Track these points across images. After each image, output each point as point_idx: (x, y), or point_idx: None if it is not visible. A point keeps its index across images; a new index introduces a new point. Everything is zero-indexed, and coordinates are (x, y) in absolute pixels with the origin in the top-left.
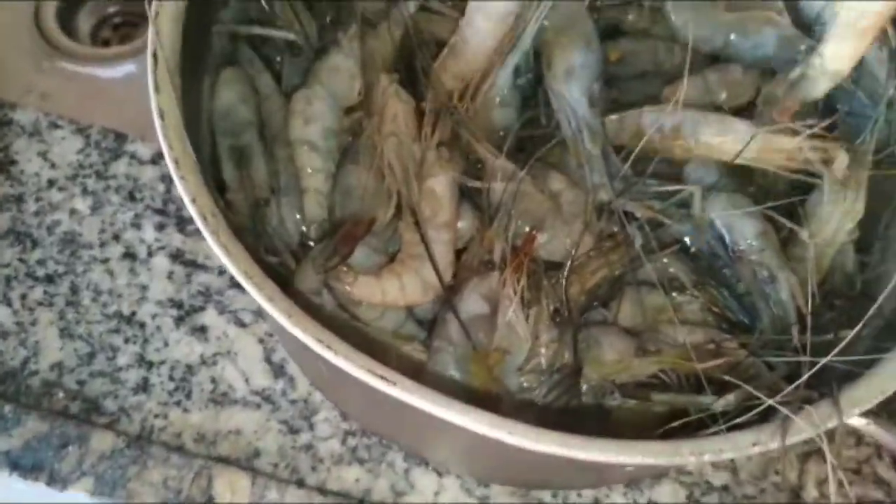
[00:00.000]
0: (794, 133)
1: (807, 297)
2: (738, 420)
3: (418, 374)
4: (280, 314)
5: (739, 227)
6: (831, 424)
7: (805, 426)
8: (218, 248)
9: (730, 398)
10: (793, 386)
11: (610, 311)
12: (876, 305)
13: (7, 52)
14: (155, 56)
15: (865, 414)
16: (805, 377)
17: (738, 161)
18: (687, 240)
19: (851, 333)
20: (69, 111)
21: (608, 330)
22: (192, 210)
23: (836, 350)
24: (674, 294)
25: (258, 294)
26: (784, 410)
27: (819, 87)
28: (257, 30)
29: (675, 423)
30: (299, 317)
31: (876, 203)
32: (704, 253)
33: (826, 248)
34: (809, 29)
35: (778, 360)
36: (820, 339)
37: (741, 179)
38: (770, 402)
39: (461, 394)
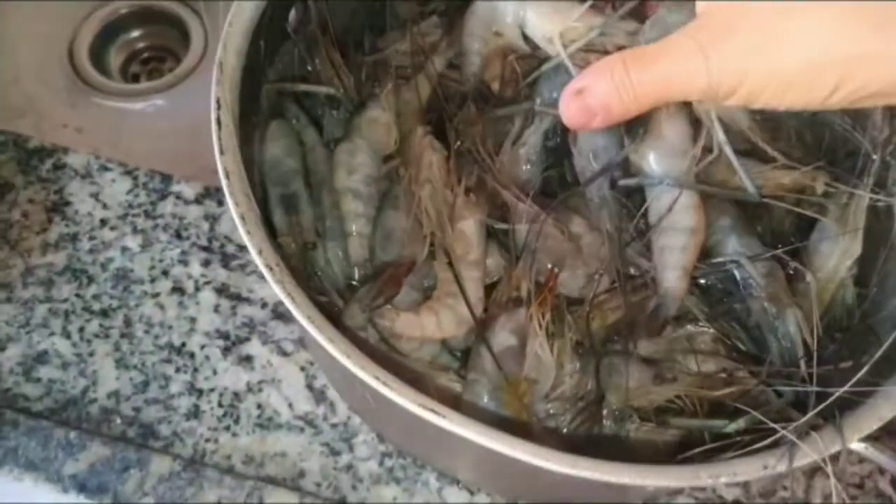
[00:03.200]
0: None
1: (812, 330)
2: (750, 444)
3: (456, 403)
4: (340, 354)
5: (750, 267)
6: (834, 450)
7: (811, 452)
8: (284, 296)
9: (741, 422)
10: (804, 419)
11: (630, 341)
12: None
13: (42, 89)
14: (219, 121)
15: (865, 438)
16: (815, 410)
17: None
18: (699, 275)
19: (861, 371)
20: (103, 145)
21: (628, 359)
22: (258, 261)
23: (851, 384)
24: (688, 326)
25: (320, 335)
26: (792, 437)
27: (671, 311)
28: (302, 87)
29: (696, 450)
30: (357, 357)
31: (875, 239)
32: (716, 288)
33: (827, 284)
34: None
35: (786, 388)
36: (823, 369)
37: (749, 219)
38: (781, 431)
39: (496, 422)
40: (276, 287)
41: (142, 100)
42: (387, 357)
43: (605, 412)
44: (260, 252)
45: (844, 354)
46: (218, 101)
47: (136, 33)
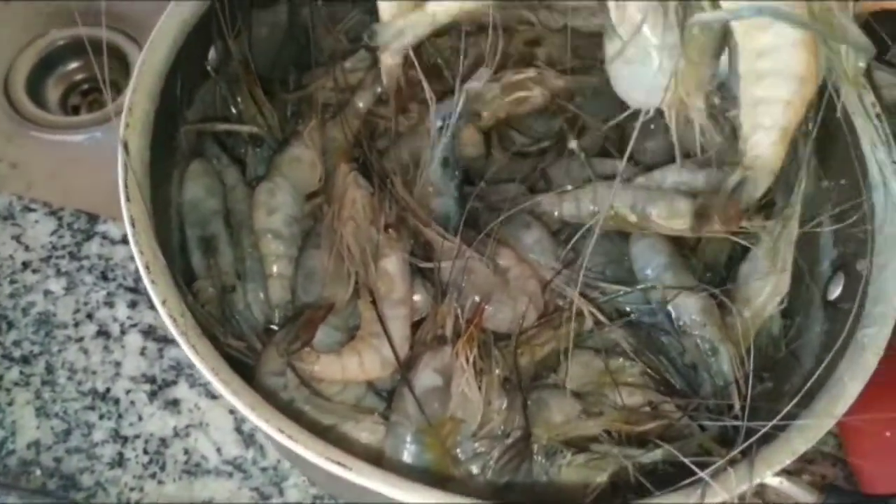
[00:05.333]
0: None
1: (741, 367)
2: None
3: (372, 450)
4: (245, 407)
5: (685, 303)
6: (744, 487)
7: (720, 491)
8: (187, 348)
9: (657, 453)
10: (721, 462)
11: (559, 374)
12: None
13: None
14: (126, 167)
15: (780, 472)
16: (734, 451)
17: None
18: (629, 310)
19: (785, 410)
20: (39, 179)
21: (556, 393)
22: (161, 312)
23: (779, 417)
24: (620, 359)
25: (224, 389)
26: (704, 476)
27: (760, 188)
28: (222, 126)
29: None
30: (262, 409)
31: (798, 264)
32: (645, 323)
33: (755, 319)
34: None
35: (710, 423)
36: (747, 403)
37: (684, 253)
38: (701, 474)
39: (416, 470)
40: (179, 339)
41: (81, 132)
42: (299, 408)
43: (535, 447)
44: (164, 303)
45: (769, 388)
46: (126, 146)
47: (74, 64)
